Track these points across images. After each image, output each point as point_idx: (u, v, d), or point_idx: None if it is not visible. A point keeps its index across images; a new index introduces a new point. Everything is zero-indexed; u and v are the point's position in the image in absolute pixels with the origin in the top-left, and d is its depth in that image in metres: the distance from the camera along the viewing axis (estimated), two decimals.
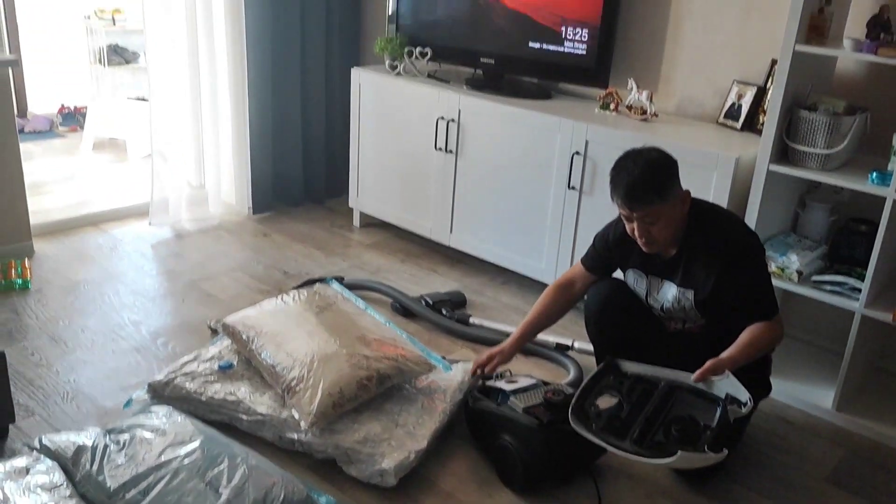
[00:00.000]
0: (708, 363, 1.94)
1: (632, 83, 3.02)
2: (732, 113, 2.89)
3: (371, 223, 3.91)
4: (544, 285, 3.14)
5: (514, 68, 3.37)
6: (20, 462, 1.84)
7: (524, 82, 3.42)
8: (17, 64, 3.12)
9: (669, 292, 2.17)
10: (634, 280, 2.24)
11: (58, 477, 1.81)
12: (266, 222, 3.91)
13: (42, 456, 1.89)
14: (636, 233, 2.07)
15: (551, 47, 3.19)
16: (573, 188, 2.96)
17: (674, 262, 2.14)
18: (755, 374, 2.10)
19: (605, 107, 3.07)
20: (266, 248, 3.60)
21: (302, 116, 4.00)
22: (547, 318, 2.37)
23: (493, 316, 3.05)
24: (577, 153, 2.92)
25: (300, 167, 4.09)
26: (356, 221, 3.93)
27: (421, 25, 3.60)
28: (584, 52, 3.11)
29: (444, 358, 2.55)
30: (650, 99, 2.96)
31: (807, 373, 2.69)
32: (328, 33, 3.96)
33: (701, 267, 2.08)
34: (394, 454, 2.07)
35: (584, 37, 3.09)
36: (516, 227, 3.19)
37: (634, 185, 1.99)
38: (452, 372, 2.44)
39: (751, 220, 2.53)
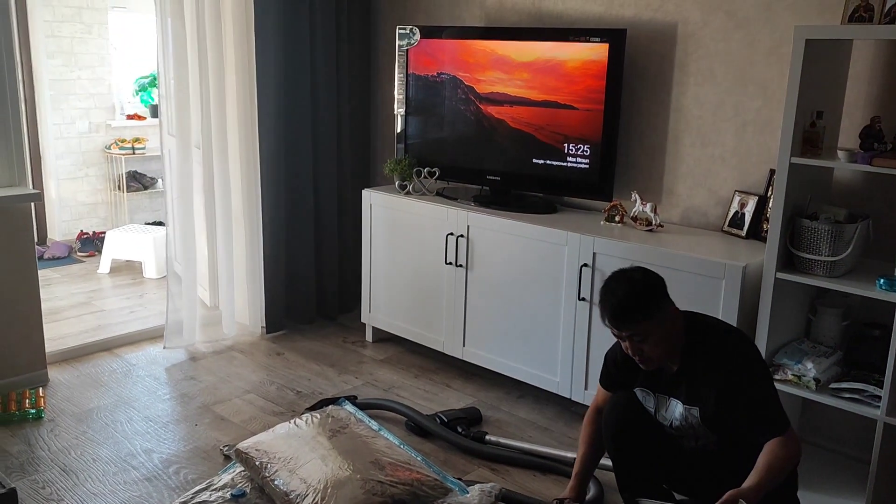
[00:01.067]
0: (727, 495, 1.88)
1: (635, 195, 3.09)
2: (736, 221, 2.94)
3: (384, 338, 3.92)
4: (561, 399, 3.15)
5: (519, 184, 3.47)
6: None
7: (530, 197, 3.50)
8: (39, 198, 3.24)
9: (676, 410, 2.15)
10: (643, 398, 2.22)
11: None
12: (279, 341, 3.92)
13: None
14: (629, 351, 2.08)
15: (555, 163, 3.29)
16: (583, 300, 2.98)
17: (677, 378, 2.13)
18: (782, 493, 2.04)
19: (610, 219, 3.13)
20: (279, 367, 3.60)
21: (314, 236, 4.09)
22: (596, 449, 2.30)
23: (511, 433, 3.00)
24: (586, 265, 2.96)
25: (313, 285, 4.14)
26: (369, 336, 3.95)
27: (428, 145, 3.73)
28: (587, 167, 3.20)
29: (460, 479, 2.50)
30: (654, 210, 3.02)
31: (835, 485, 2.61)
32: (340, 156, 4.10)
33: (703, 382, 2.07)
34: None
35: (587, 152, 3.20)
36: (529, 340, 3.19)
37: (619, 305, 2.03)
38: (469, 495, 2.38)
39: (762, 327, 2.53)
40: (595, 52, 3.10)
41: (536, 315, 3.16)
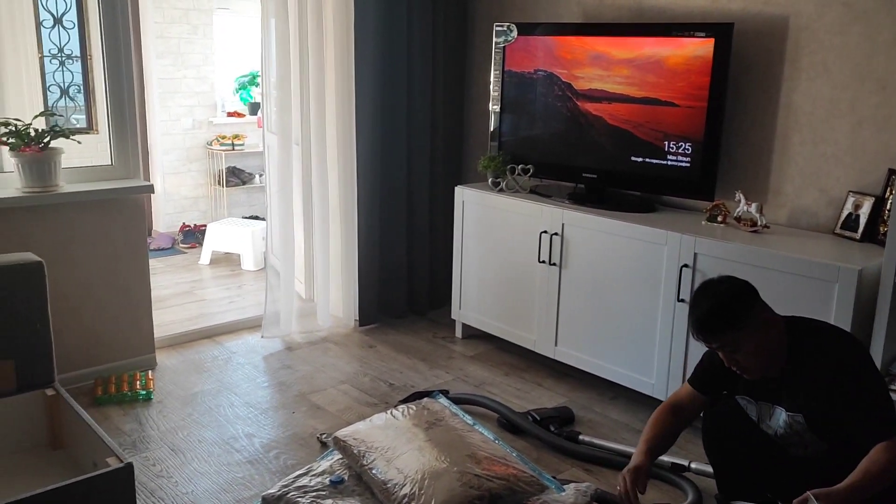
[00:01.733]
0: (805, 494, 1.80)
1: (739, 195, 3.00)
2: (850, 223, 2.82)
3: (473, 334, 3.94)
4: (656, 401, 3.07)
5: (616, 182, 3.42)
6: None
7: (627, 195, 3.45)
8: (151, 190, 3.39)
9: (780, 418, 2.07)
10: (745, 406, 2.15)
11: None
12: (371, 334, 3.99)
13: None
14: (726, 362, 2.03)
15: (654, 161, 3.23)
16: (683, 301, 2.91)
17: (779, 385, 2.05)
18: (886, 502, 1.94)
19: (712, 219, 3.04)
20: (372, 359, 3.66)
21: (407, 232, 4.15)
22: (663, 441, 2.25)
23: (604, 434, 2.96)
24: (686, 266, 2.89)
25: (405, 280, 4.20)
26: (459, 333, 3.97)
27: (522, 142, 3.72)
28: (688, 165, 3.13)
29: (554, 478, 2.48)
30: (760, 210, 2.92)
31: None
32: (433, 152, 4.14)
33: (808, 388, 1.99)
34: None
35: (688, 150, 3.12)
36: (624, 341, 3.14)
37: (704, 318, 1.98)
38: (565, 493, 2.36)
39: (878, 335, 2.41)
40: (699, 47, 3.03)
41: (632, 316, 3.10)
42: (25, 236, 3.01)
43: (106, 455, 2.21)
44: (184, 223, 5.84)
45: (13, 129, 2.96)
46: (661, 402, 3.00)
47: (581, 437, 2.87)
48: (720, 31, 2.98)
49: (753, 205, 2.94)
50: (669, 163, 3.18)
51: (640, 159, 3.28)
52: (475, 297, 3.81)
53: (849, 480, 1.84)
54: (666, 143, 3.19)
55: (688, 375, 2.89)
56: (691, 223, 3.07)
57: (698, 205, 3.22)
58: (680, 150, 3.15)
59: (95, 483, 2.09)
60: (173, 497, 2.50)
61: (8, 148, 2.98)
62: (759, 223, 2.92)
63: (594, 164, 3.44)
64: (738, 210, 2.99)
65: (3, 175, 3.09)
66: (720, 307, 1.97)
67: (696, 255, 2.87)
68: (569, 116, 3.49)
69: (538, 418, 2.97)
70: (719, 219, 3.03)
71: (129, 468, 2.15)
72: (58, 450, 2.61)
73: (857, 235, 2.78)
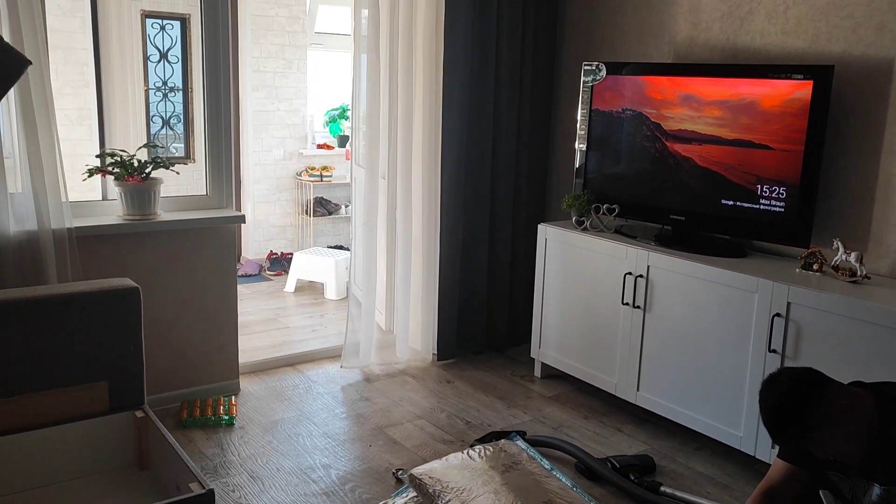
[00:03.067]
0: None
1: (838, 243, 2.87)
2: None
3: (552, 374, 3.88)
4: (744, 455, 2.95)
5: (705, 225, 3.33)
6: None
7: (716, 239, 3.35)
8: (243, 220, 3.50)
9: (874, 492, 1.92)
10: (836, 481, 2.01)
11: None
12: (449, 369, 3.99)
13: None
14: (819, 457, 1.88)
15: (746, 204, 3.13)
16: (774, 352, 2.79)
17: (872, 461, 1.88)
18: None
19: (807, 267, 2.92)
20: (449, 395, 3.65)
21: (488, 268, 4.14)
22: None
23: (687, 486, 2.85)
24: (779, 315, 2.77)
25: (484, 316, 4.19)
26: (537, 372, 3.92)
27: (608, 181, 3.67)
28: (783, 210, 3.02)
29: None
30: (860, 260, 2.78)
31: None
32: (516, 190, 4.14)
33: None
34: None
35: (782, 195, 3.01)
36: (711, 390, 3.03)
37: (774, 430, 1.84)
38: None
39: None
40: (797, 89, 2.93)
41: (720, 364, 2.99)
42: (124, 262, 3.15)
43: (189, 480, 2.27)
44: (271, 251, 6.01)
45: (118, 159, 3.12)
46: (750, 456, 2.90)
47: (663, 488, 2.77)
48: (820, 73, 2.88)
49: (853, 254, 2.80)
50: (762, 207, 3.08)
51: (730, 202, 3.18)
52: (555, 337, 3.76)
53: None
54: (759, 186, 3.09)
55: None
56: (784, 270, 2.95)
57: (791, 251, 3.10)
58: (774, 194, 3.05)
59: None
60: None
61: (113, 178, 3.14)
62: (858, 273, 2.78)
63: (682, 206, 3.36)
64: (835, 259, 2.86)
65: (108, 203, 3.25)
66: (787, 413, 1.83)
67: (789, 304, 2.75)
68: (657, 157, 3.44)
69: (618, 466, 2.89)
70: (815, 267, 2.91)
71: (211, 494, 2.20)
72: (144, 471, 2.69)
73: None
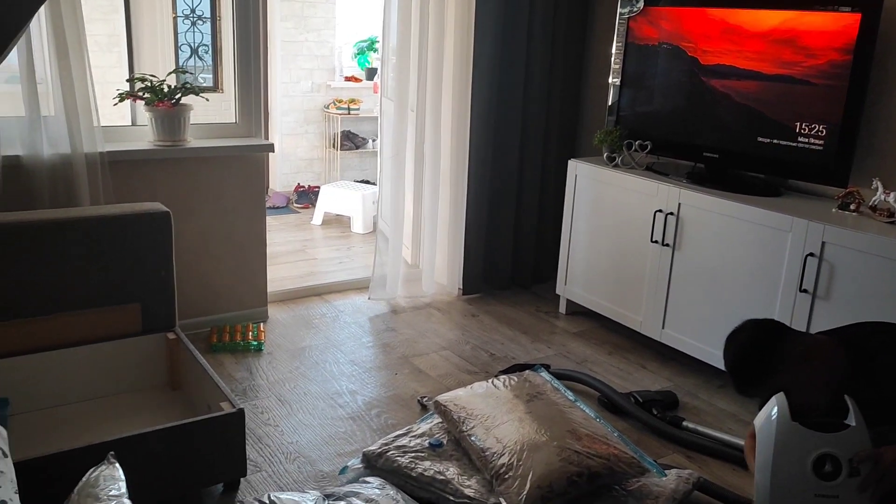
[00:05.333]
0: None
1: (877, 183, 2.80)
2: None
3: (577, 311, 3.88)
4: None
5: (739, 163, 3.26)
6: None
7: (750, 178, 3.29)
8: (271, 149, 3.50)
9: None
10: None
11: None
12: (474, 303, 4.01)
13: None
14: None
15: (783, 142, 3.06)
16: (805, 292, 2.76)
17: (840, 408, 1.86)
18: None
19: (844, 207, 2.86)
20: (474, 328, 3.68)
21: (516, 204, 4.12)
22: None
23: (709, 422, 2.87)
24: (812, 255, 2.73)
25: (510, 252, 4.18)
26: (562, 308, 3.93)
27: (641, 118, 3.60)
28: (821, 149, 2.95)
29: (656, 462, 2.43)
30: None
31: None
32: (548, 125, 4.08)
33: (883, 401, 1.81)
34: None
35: (822, 133, 2.94)
36: None
37: (733, 376, 1.89)
38: (666, 478, 2.31)
39: None
40: (843, 22, 2.83)
41: (749, 303, 2.97)
42: (154, 187, 3.17)
43: (220, 399, 2.32)
44: (298, 184, 6.02)
45: (148, 84, 3.11)
46: None
47: (685, 423, 2.79)
48: (868, 5, 2.77)
49: (892, 194, 2.74)
50: (800, 145, 3.01)
51: (767, 140, 3.11)
52: (582, 274, 3.75)
53: None
54: (798, 123, 3.01)
55: None
56: (820, 210, 2.90)
57: (828, 191, 3.04)
58: (813, 132, 2.97)
59: (210, 424, 2.21)
60: (279, 445, 2.60)
61: (143, 102, 3.13)
62: None
63: (716, 144, 3.30)
64: (874, 199, 2.80)
65: (137, 129, 3.26)
66: (743, 358, 1.87)
67: (823, 244, 2.71)
68: (693, 92, 3.35)
69: (641, 400, 2.91)
70: (852, 207, 2.85)
71: (241, 413, 2.26)
72: (176, 390, 2.76)
73: None
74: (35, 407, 2.56)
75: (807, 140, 2.99)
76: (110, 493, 1.70)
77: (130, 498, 1.72)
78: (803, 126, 2.99)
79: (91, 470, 1.79)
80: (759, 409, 1.89)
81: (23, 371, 2.52)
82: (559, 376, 3.02)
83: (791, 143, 3.04)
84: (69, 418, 2.54)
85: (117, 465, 1.82)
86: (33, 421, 2.50)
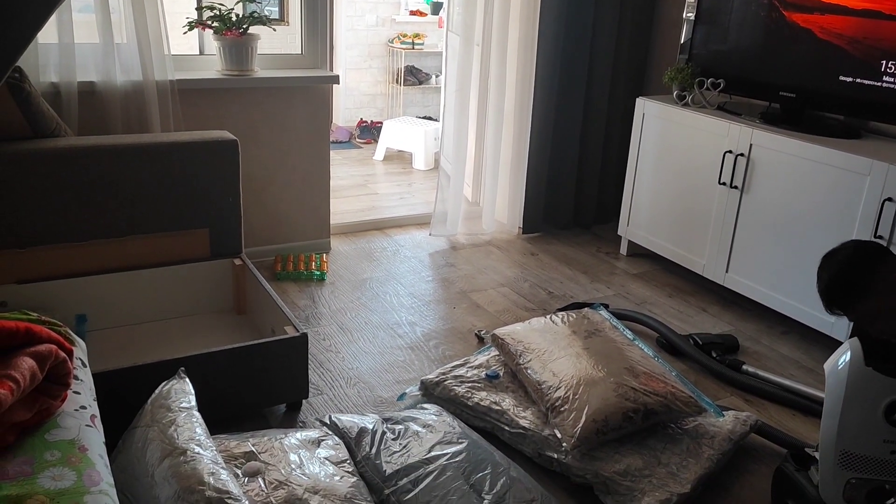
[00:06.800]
0: None
1: None
2: None
3: (638, 253, 3.84)
4: (832, 342, 2.89)
5: (818, 103, 3.12)
6: (312, 434, 2.04)
7: (828, 119, 3.15)
8: (336, 80, 3.50)
9: None
10: None
11: (343, 453, 1.99)
12: (534, 242, 3.99)
13: (330, 432, 2.09)
14: (874, 335, 1.83)
15: (867, 82, 2.91)
16: (880, 238, 2.66)
17: None
18: None
19: None
20: (533, 266, 3.68)
21: (580, 143, 4.05)
22: None
23: (769, 367, 2.83)
24: (890, 199, 2.62)
25: (572, 192, 4.14)
26: (623, 250, 3.88)
27: (715, 55, 3.47)
28: None
29: (714, 402, 2.41)
30: None
31: None
32: (616, 62, 3.97)
33: None
34: (655, 493, 1.99)
35: None
36: (805, 274, 2.94)
37: (825, 292, 1.84)
38: (723, 419, 2.30)
39: None
40: None
41: (818, 248, 2.88)
42: (222, 116, 3.22)
43: (284, 324, 2.39)
44: (361, 119, 6.03)
45: (217, 13, 3.13)
46: (839, 342, 2.83)
47: (745, 366, 2.76)
48: None
49: None
50: (885, 84, 2.86)
51: (849, 79, 2.97)
52: (645, 215, 3.69)
53: None
54: (884, 62, 2.85)
55: None
56: None
57: None
58: None
59: (274, 347, 2.28)
60: (340, 370, 2.67)
61: (212, 31, 3.16)
62: None
63: (794, 82, 3.16)
64: None
65: (205, 58, 3.29)
66: (839, 275, 1.83)
67: None
68: (772, 28, 3.20)
69: (700, 343, 2.88)
70: None
71: (304, 338, 2.32)
72: (241, 314, 2.85)
73: None
74: (110, 325, 2.68)
75: (892, 80, 2.84)
76: (181, 405, 1.79)
77: (199, 411, 1.80)
78: (889, 65, 2.84)
79: (163, 383, 1.88)
80: (850, 332, 1.88)
81: (99, 290, 2.63)
82: (618, 316, 3.01)
83: (875, 83, 2.89)
84: (141, 337, 2.65)
85: (187, 379, 1.91)
86: (109, 337, 2.62)
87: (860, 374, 1.72)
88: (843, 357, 1.76)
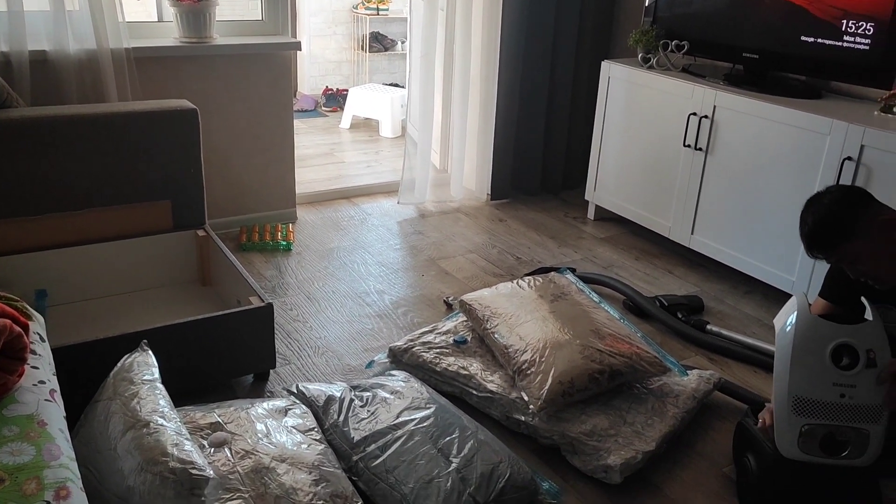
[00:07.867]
0: None
1: None
2: None
3: (605, 217, 3.86)
4: None
5: (780, 64, 3.14)
6: (279, 403, 2.04)
7: (790, 80, 3.17)
8: (298, 47, 3.44)
9: None
10: (883, 314, 1.98)
11: (310, 421, 1.99)
12: (502, 208, 3.99)
13: (297, 401, 2.08)
14: (852, 276, 1.88)
15: (827, 42, 2.93)
16: None
17: None
18: None
19: (887, 109, 2.76)
20: (501, 232, 3.68)
21: (547, 108, 4.03)
22: None
23: (733, 326, 2.88)
24: (850, 158, 2.66)
25: (540, 158, 4.13)
26: (591, 214, 3.90)
27: (679, 18, 3.46)
28: (868, 48, 2.82)
29: (678, 362, 2.45)
30: None
31: None
32: (581, 25, 3.95)
33: None
34: (620, 451, 2.03)
35: (869, 31, 2.80)
36: (768, 234, 2.98)
37: (811, 233, 1.85)
38: (687, 378, 2.33)
39: None
40: None
41: (781, 208, 2.92)
42: (181, 85, 3.15)
43: (249, 294, 2.37)
44: (326, 86, 5.95)
45: None
46: None
47: (709, 326, 2.80)
48: None
49: None
50: (845, 44, 2.88)
51: (811, 39, 2.98)
52: (611, 179, 3.70)
53: None
54: (844, 21, 2.87)
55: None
56: (862, 113, 2.80)
57: (871, 94, 2.92)
58: (859, 31, 2.83)
59: (239, 318, 2.26)
60: (308, 340, 2.67)
61: None
62: None
63: (757, 44, 3.17)
64: None
65: (163, 25, 3.21)
66: (825, 218, 1.83)
67: (862, 147, 2.63)
68: None
69: (666, 304, 2.92)
70: (895, 109, 2.74)
71: (270, 308, 2.30)
72: (206, 286, 2.83)
73: None
74: (72, 300, 2.64)
75: (852, 39, 2.86)
76: (144, 378, 1.77)
77: (164, 384, 1.79)
78: (850, 24, 2.86)
79: (126, 356, 1.86)
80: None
81: (58, 264, 2.58)
82: (585, 279, 3.03)
83: (836, 43, 2.91)
84: (104, 311, 2.62)
85: (150, 352, 1.89)
86: (71, 312, 2.58)
87: (807, 321, 1.81)
88: (790, 308, 1.85)
